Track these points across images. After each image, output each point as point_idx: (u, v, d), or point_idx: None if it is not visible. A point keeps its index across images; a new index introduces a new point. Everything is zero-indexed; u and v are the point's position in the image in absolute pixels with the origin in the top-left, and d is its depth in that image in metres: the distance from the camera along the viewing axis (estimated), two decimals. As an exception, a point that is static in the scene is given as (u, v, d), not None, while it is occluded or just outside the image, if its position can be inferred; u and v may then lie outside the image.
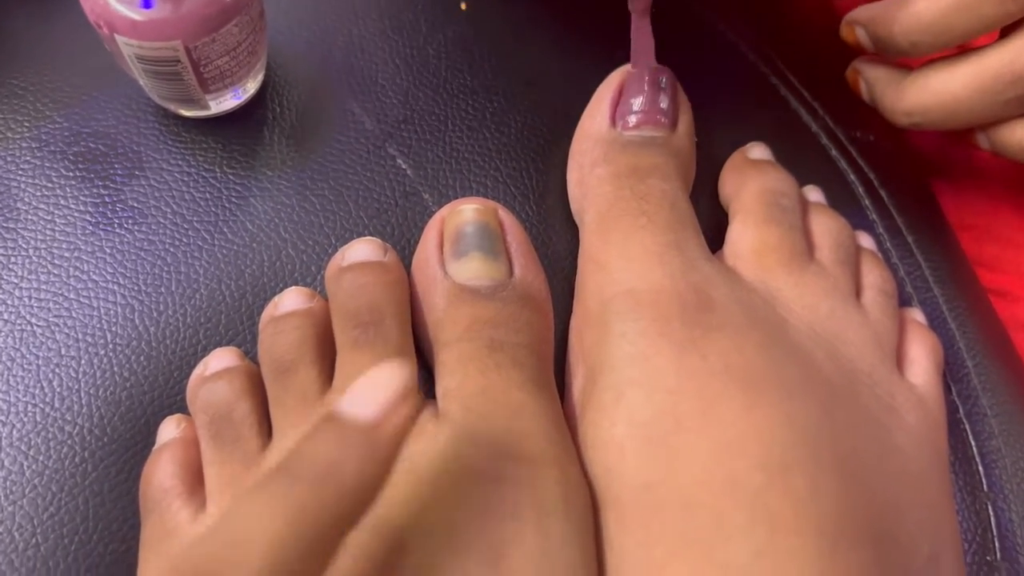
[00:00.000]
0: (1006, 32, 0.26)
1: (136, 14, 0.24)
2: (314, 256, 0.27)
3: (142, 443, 0.25)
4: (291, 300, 0.25)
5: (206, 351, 0.25)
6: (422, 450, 0.22)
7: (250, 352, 0.25)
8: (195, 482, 0.23)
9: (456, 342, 0.23)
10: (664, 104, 0.27)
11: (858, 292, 0.27)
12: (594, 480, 0.23)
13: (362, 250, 0.25)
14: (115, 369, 0.25)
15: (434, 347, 0.24)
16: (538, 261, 0.26)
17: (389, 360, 0.18)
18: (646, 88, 0.27)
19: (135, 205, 0.27)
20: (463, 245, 0.25)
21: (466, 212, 0.25)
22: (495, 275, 0.24)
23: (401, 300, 0.25)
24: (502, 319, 0.23)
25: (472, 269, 0.24)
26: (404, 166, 0.28)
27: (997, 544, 0.26)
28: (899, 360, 0.27)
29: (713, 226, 0.28)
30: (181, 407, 0.25)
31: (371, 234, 0.27)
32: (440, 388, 0.23)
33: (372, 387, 0.17)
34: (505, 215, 0.26)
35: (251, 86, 0.28)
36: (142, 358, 0.25)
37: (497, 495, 0.21)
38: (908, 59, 0.28)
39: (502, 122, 0.29)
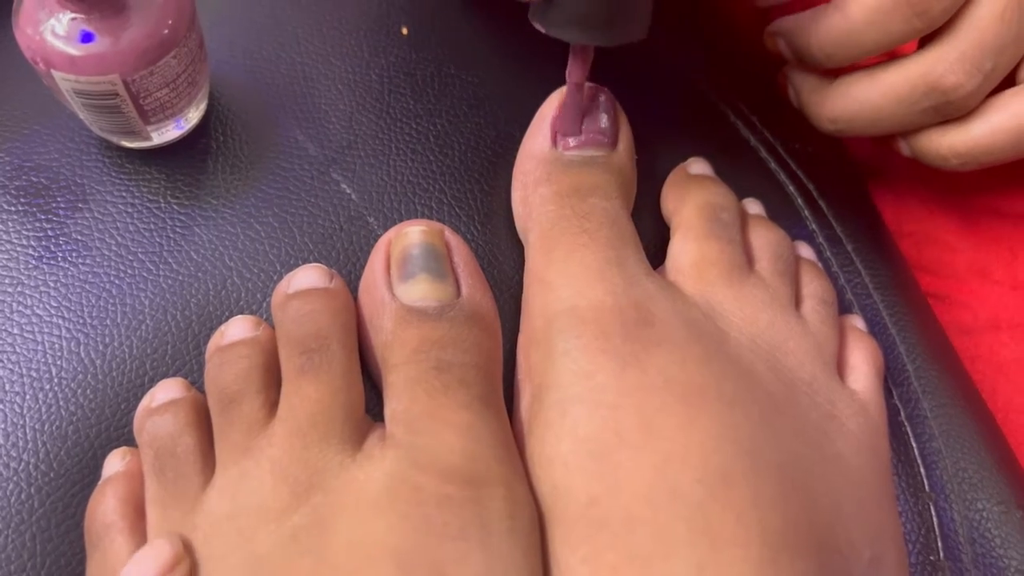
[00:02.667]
0: (924, 43, 0.27)
1: (73, 49, 0.24)
2: (260, 284, 0.27)
3: (89, 477, 0.24)
4: (237, 329, 0.25)
5: (153, 382, 0.25)
6: (367, 475, 0.22)
7: (197, 382, 0.26)
8: (137, 517, 0.23)
9: (403, 364, 0.23)
10: (604, 123, 0.28)
11: (798, 302, 0.28)
12: (541, 497, 0.23)
13: (307, 277, 0.25)
14: (61, 403, 0.25)
15: (382, 370, 0.24)
16: (485, 281, 0.26)
17: (153, 543, 0.21)
18: (585, 108, 0.28)
19: (79, 238, 0.27)
20: (410, 267, 0.25)
21: (412, 234, 0.25)
22: (442, 296, 0.25)
23: (347, 325, 0.25)
24: (449, 339, 0.24)
25: (419, 291, 0.24)
26: (348, 191, 0.28)
27: (940, 544, 0.27)
28: (840, 367, 0.27)
29: (657, 242, 0.29)
30: (129, 439, 0.25)
31: (317, 260, 0.27)
32: (387, 411, 0.23)
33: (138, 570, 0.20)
34: (451, 236, 0.26)
35: (193, 116, 0.28)
36: (88, 391, 0.25)
37: (442, 516, 0.21)
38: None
39: (446, 144, 0.29)
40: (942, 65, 0.26)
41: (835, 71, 0.29)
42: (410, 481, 0.22)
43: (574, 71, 0.26)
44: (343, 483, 0.22)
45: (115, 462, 0.24)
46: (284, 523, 0.21)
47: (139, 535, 0.23)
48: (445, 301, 0.24)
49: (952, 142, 0.28)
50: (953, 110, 0.27)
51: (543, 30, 0.25)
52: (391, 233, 0.26)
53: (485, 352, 0.25)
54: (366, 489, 0.22)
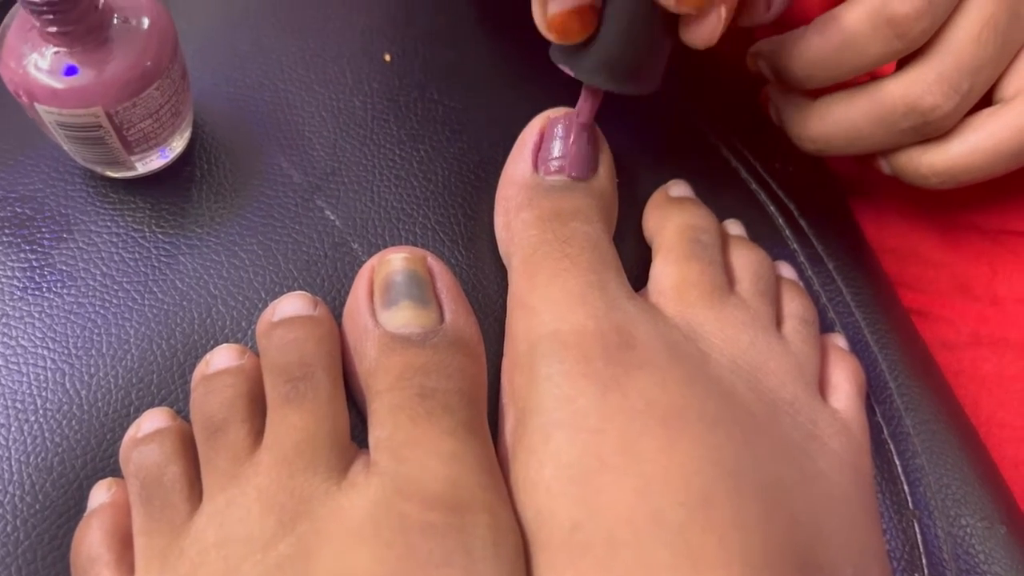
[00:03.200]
0: (902, 64, 0.27)
1: (56, 82, 0.25)
2: (244, 312, 0.27)
3: (75, 509, 0.24)
4: (222, 358, 0.25)
5: (139, 412, 0.26)
6: (352, 502, 0.22)
7: (183, 411, 0.26)
8: (123, 549, 0.23)
9: (387, 391, 0.24)
10: (584, 148, 0.28)
11: (779, 322, 0.28)
12: (526, 522, 0.24)
13: (292, 305, 0.25)
14: (46, 435, 0.25)
15: (366, 396, 0.24)
16: (469, 306, 0.27)
17: None
18: (566, 134, 0.28)
19: (63, 268, 0.27)
20: (393, 294, 0.25)
21: (395, 261, 0.26)
22: (426, 322, 0.25)
23: (332, 353, 0.25)
24: (433, 366, 0.24)
25: (403, 318, 0.24)
26: (332, 217, 0.28)
27: (924, 561, 0.27)
28: (822, 386, 0.28)
29: (640, 264, 0.29)
30: (115, 470, 0.25)
31: (301, 287, 0.27)
32: (372, 438, 0.24)
33: None
34: (435, 262, 0.26)
35: (177, 145, 0.28)
36: (74, 422, 0.25)
37: (426, 544, 0.21)
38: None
39: (429, 170, 0.30)
40: (920, 86, 0.26)
41: (816, 91, 0.30)
42: (394, 509, 0.22)
43: (584, 112, 0.27)
44: (328, 511, 0.22)
45: (101, 493, 0.24)
46: (270, 552, 0.22)
47: (125, 567, 0.23)
48: (428, 327, 0.24)
49: (931, 161, 0.28)
50: (932, 130, 0.27)
51: (571, 73, 0.26)
52: (374, 260, 0.26)
53: (469, 377, 0.25)
54: (351, 517, 0.22)
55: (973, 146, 0.27)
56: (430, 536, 0.21)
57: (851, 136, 0.28)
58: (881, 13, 0.25)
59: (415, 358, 0.24)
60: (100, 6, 0.24)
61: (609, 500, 0.22)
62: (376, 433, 0.23)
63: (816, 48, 0.27)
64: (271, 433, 0.23)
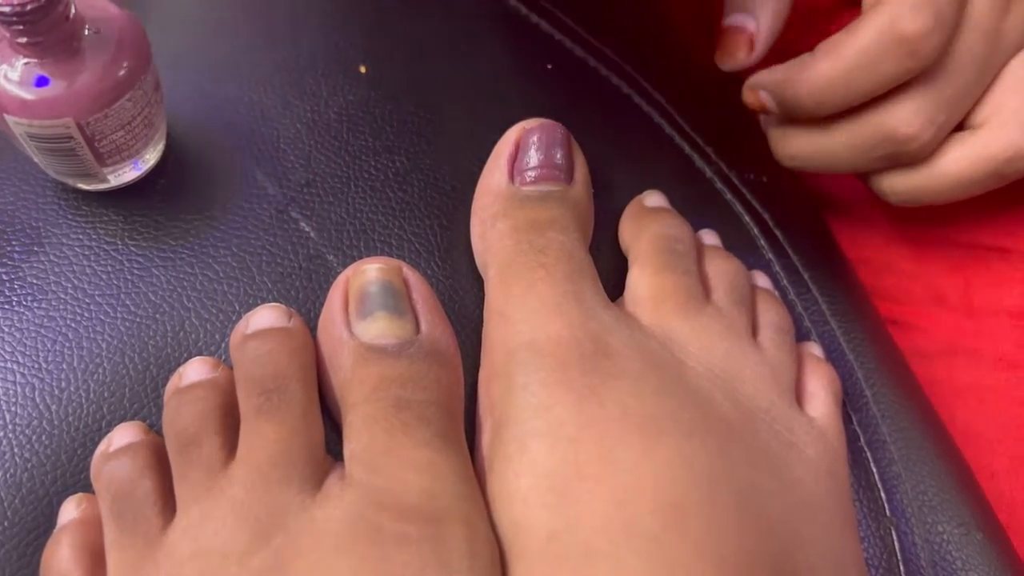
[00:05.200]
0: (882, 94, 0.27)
1: (26, 93, 0.24)
2: (218, 324, 0.27)
3: (44, 525, 0.24)
4: (194, 371, 0.25)
5: (111, 426, 0.25)
6: (328, 515, 0.22)
7: (156, 425, 0.25)
8: (94, 565, 0.23)
9: (362, 403, 0.23)
10: (559, 159, 0.28)
11: (755, 331, 0.28)
12: (503, 533, 0.23)
13: (266, 317, 0.25)
14: (15, 450, 0.25)
15: (341, 408, 0.24)
16: (445, 316, 0.26)
17: None
18: (542, 144, 0.28)
19: (34, 282, 0.27)
20: (368, 305, 0.25)
21: (369, 272, 0.25)
22: (401, 333, 0.25)
23: (306, 365, 0.25)
24: (409, 377, 0.24)
25: (377, 329, 0.24)
26: (307, 229, 0.28)
27: (902, 568, 0.27)
28: (798, 394, 0.28)
29: (616, 274, 0.29)
30: (85, 486, 0.25)
31: (276, 298, 0.27)
32: (347, 450, 0.23)
33: None
34: (410, 272, 0.26)
35: (151, 157, 0.28)
36: (43, 437, 0.25)
37: (401, 556, 0.21)
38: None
39: (405, 181, 0.30)
40: (897, 117, 0.27)
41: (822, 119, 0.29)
42: (369, 521, 0.22)
43: None
44: (303, 523, 0.22)
45: (70, 509, 0.24)
46: (245, 565, 0.21)
47: (96, 583, 0.22)
48: (404, 338, 0.24)
49: (892, 183, 0.29)
50: (906, 159, 0.28)
51: None
52: (349, 271, 0.26)
53: (445, 388, 0.25)
54: (326, 529, 0.22)
55: (938, 172, 0.28)
56: (405, 547, 0.21)
57: (828, 160, 0.29)
58: (891, 32, 0.25)
59: (390, 369, 0.24)
60: (71, 17, 0.24)
61: (586, 510, 0.22)
62: (351, 445, 0.23)
63: (826, 73, 0.27)
64: (244, 445, 0.23)
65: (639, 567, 0.21)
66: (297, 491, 0.23)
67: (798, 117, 0.29)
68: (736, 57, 0.30)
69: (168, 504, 0.23)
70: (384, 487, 0.22)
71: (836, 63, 0.27)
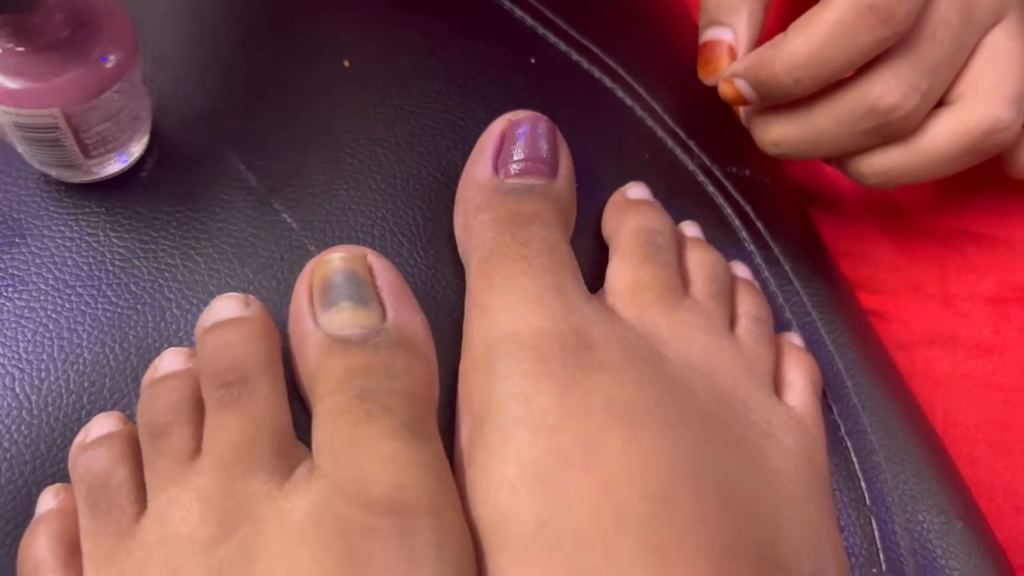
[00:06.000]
0: (863, 67, 0.28)
1: (14, 82, 0.24)
2: (198, 315, 0.26)
3: (23, 515, 0.24)
4: (168, 362, 0.25)
5: (90, 416, 0.25)
6: (293, 505, 0.22)
7: (135, 415, 0.25)
8: (70, 555, 0.23)
9: (328, 394, 0.23)
10: (545, 152, 0.28)
11: (733, 321, 0.28)
12: (487, 522, 0.23)
13: (223, 307, 0.25)
14: (-5, 440, 0.25)
15: (310, 399, 0.24)
16: (414, 303, 0.26)
17: None
18: (527, 137, 0.28)
19: (16, 273, 0.27)
20: (332, 295, 0.24)
21: (333, 261, 0.25)
22: (366, 322, 0.24)
23: (269, 353, 0.24)
24: (375, 367, 0.23)
25: (342, 319, 0.24)
26: (290, 220, 0.28)
27: (882, 556, 0.27)
28: (777, 384, 0.28)
29: (599, 265, 0.29)
30: (64, 475, 0.24)
31: (255, 289, 0.27)
32: (314, 442, 0.23)
33: None
34: (375, 259, 0.26)
35: (136, 150, 0.28)
36: (23, 427, 0.25)
37: (366, 548, 0.21)
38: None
39: (388, 173, 0.30)
40: (879, 86, 0.26)
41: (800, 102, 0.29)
42: (335, 512, 0.21)
43: None
44: (269, 514, 0.22)
45: (48, 500, 0.24)
46: (211, 555, 0.21)
47: (72, 573, 0.22)
48: (370, 327, 0.24)
49: (869, 162, 0.28)
50: (893, 131, 0.27)
51: None
52: (313, 261, 0.26)
53: (413, 377, 0.24)
54: (291, 520, 0.22)
55: (916, 148, 0.28)
56: (371, 540, 0.21)
57: (813, 139, 0.28)
58: (863, 1, 0.25)
59: (355, 360, 0.23)
60: (60, 8, 0.24)
61: (575, 497, 0.22)
62: (317, 437, 0.23)
63: (802, 47, 0.26)
64: (208, 438, 0.23)
65: (631, 553, 0.21)
66: (264, 481, 0.22)
67: (778, 101, 0.29)
68: (719, 69, 0.29)
69: (141, 494, 0.23)
70: (350, 478, 0.22)
71: (810, 38, 0.26)
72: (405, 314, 0.25)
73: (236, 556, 0.21)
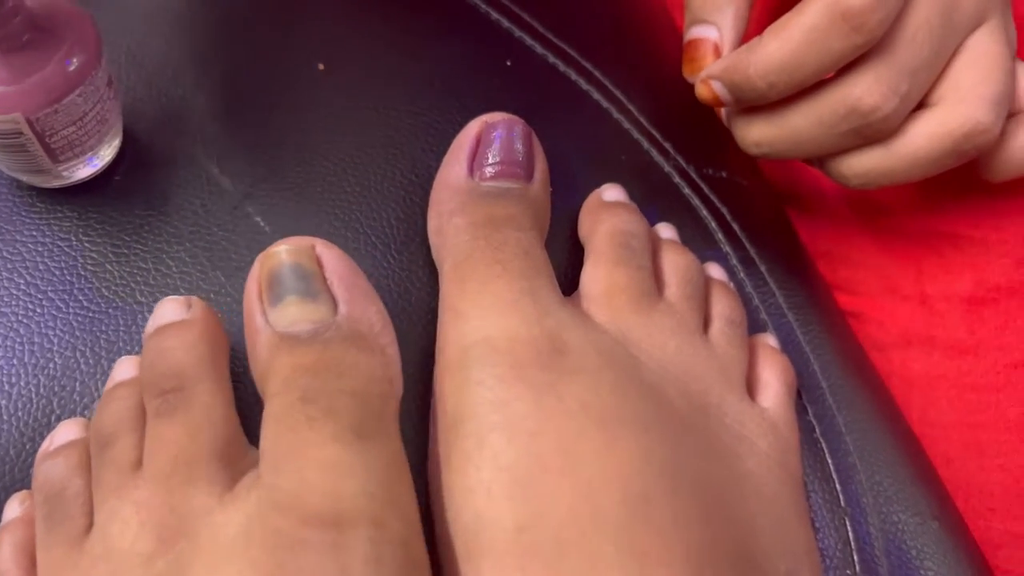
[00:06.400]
0: (843, 68, 0.27)
1: (-27, 88, 0.24)
2: (171, 319, 0.27)
3: (-8, 521, 0.24)
4: (120, 370, 0.24)
5: (60, 419, 0.25)
6: (228, 518, 0.21)
7: (106, 419, 0.25)
8: (31, 564, 0.22)
9: (274, 396, 0.22)
10: (520, 156, 0.28)
11: (707, 323, 0.28)
12: (464, 527, 0.23)
13: (164, 311, 0.24)
14: (-36, 446, 0.25)
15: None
16: (369, 292, 0.25)
17: None
18: (503, 140, 0.28)
19: (-14, 278, 0.27)
20: (278, 290, 0.23)
21: (279, 255, 0.24)
22: (314, 316, 0.23)
23: (209, 357, 0.24)
24: (323, 365, 0.22)
25: (290, 315, 0.23)
26: (263, 223, 0.28)
27: (856, 557, 0.27)
28: (751, 384, 0.28)
29: (574, 268, 0.29)
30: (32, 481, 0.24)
31: (228, 292, 0.27)
32: (260, 449, 0.22)
33: None
34: (325, 249, 0.24)
35: (106, 153, 0.28)
36: (-7, 433, 0.25)
37: (296, 562, 0.20)
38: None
39: (362, 175, 0.30)
40: (859, 88, 0.26)
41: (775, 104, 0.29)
42: (268, 525, 0.21)
43: None
44: (206, 527, 0.21)
45: (14, 507, 0.23)
46: (149, 568, 0.21)
47: (32, 581, 0.22)
48: (319, 321, 0.23)
49: (850, 163, 0.28)
50: (873, 132, 0.27)
51: None
52: (261, 256, 0.24)
53: (365, 374, 0.23)
54: (224, 534, 0.21)
55: (896, 150, 0.28)
56: (302, 554, 0.20)
57: (794, 139, 0.28)
58: (836, 7, 0.25)
59: (303, 357, 0.22)
60: (20, 12, 0.24)
61: (552, 501, 0.22)
62: (261, 443, 0.22)
63: (775, 53, 0.27)
64: (147, 449, 0.23)
65: (610, 556, 0.21)
66: (204, 493, 0.22)
67: (753, 104, 0.29)
68: (704, 67, 0.29)
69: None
70: (286, 488, 0.21)
71: (784, 43, 0.26)
72: (358, 305, 0.24)
73: (172, 571, 0.21)
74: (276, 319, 0.23)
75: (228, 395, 0.24)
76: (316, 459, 0.21)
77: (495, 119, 0.29)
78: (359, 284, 0.24)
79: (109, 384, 0.25)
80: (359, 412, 0.22)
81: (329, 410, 0.22)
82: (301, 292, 0.23)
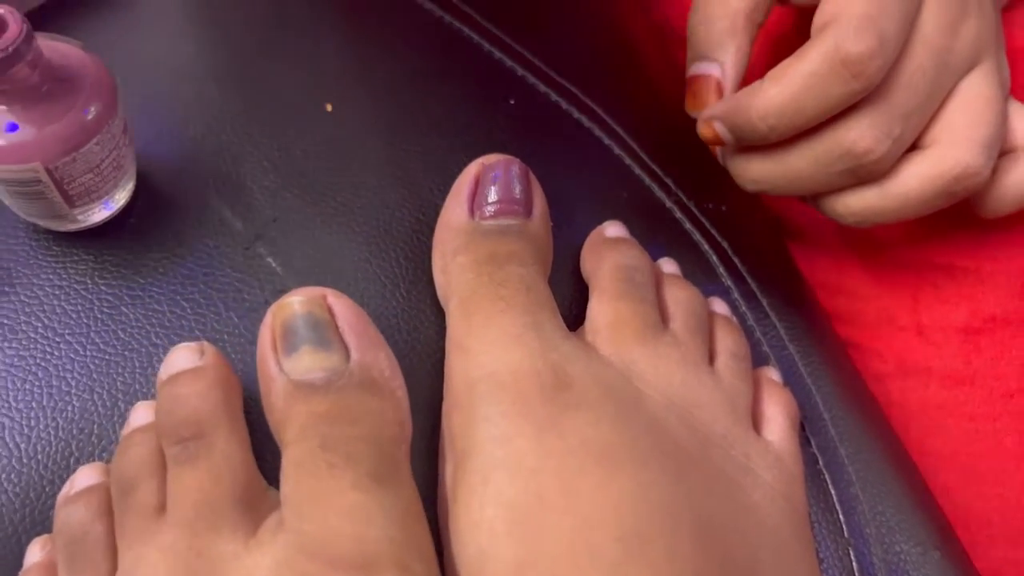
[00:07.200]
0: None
1: (-7, 139, 0.25)
2: (186, 360, 0.27)
3: (13, 563, 0.24)
4: (137, 416, 0.25)
5: (79, 463, 0.26)
6: (257, 563, 0.22)
7: (123, 460, 0.26)
8: None
9: (293, 443, 0.23)
10: (518, 193, 0.29)
11: (712, 357, 0.29)
12: (468, 562, 0.24)
13: (177, 358, 0.25)
14: (-15, 488, 0.25)
15: (280, 447, 0.24)
16: (378, 339, 0.26)
17: None
18: (501, 179, 0.29)
19: (5, 322, 0.27)
20: (293, 339, 0.24)
21: (292, 305, 0.25)
22: (328, 364, 0.24)
23: (225, 403, 0.24)
24: (337, 412, 0.23)
25: (304, 364, 0.24)
26: (274, 264, 0.29)
27: (860, 588, 0.28)
28: (755, 419, 0.28)
29: (578, 302, 0.30)
30: (52, 524, 0.25)
31: (241, 333, 0.28)
32: (281, 494, 0.23)
33: None
34: (336, 299, 0.25)
35: (121, 197, 0.29)
36: (12, 476, 0.25)
37: None
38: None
39: (370, 215, 0.30)
40: (854, 131, 0.27)
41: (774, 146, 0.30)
42: (297, 569, 0.21)
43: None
44: (234, 571, 0.22)
45: (36, 551, 0.24)
46: None
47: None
48: (332, 369, 0.24)
49: (847, 202, 0.29)
50: (866, 173, 0.28)
51: None
52: (274, 306, 0.25)
53: (379, 419, 0.24)
54: None
55: (890, 190, 0.29)
56: None
57: (790, 178, 0.29)
58: (836, 55, 0.26)
59: (318, 405, 0.23)
60: (39, 64, 0.25)
61: (551, 539, 0.23)
62: (284, 489, 0.23)
63: (775, 98, 0.27)
64: (169, 494, 0.23)
65: None
66: (229, 539, 0.23)
67: (753, 144, 0.30)
68: (706, 104, 0.30)
69: (117, 549, 0.23)
70: (312, 533, 0.22)
71: (784, 88, 0.27)
72: (369, 352, 0.25)
73: None
74: (291, 368, 0.24)
75: (245, 439, 0.24)
76: (339, 505, 0.22)
77: (492, 160, 0.29)
78: (369, 332, 0.25)
79: (126, 429, 0.25)
80: (375, 457, 0.23)
81: (348, 457, 0.23)
82: (314, 341, 0.24)
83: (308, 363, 0.24)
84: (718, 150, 0.32)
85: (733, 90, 0.30)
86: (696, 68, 0.31)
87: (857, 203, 0.29)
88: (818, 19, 0.27)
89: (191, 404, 0.24)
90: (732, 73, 0.30)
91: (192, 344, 0.25)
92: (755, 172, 0.30)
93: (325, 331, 0.24)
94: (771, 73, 0.28)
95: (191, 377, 0.24)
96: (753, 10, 0.30)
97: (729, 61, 0.30)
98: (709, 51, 0.30)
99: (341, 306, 0.25)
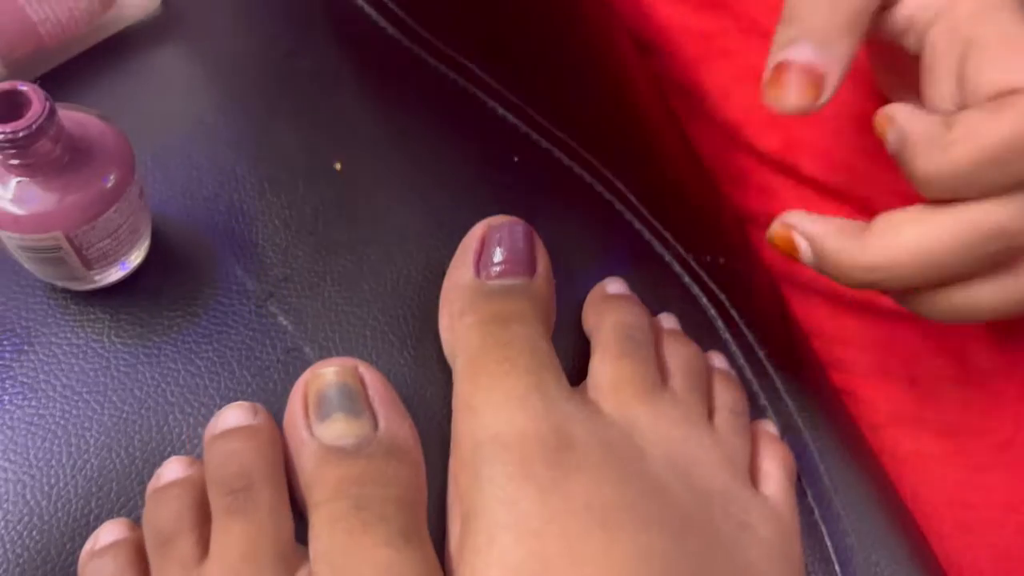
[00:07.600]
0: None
1: (18, 209, 0.26)
2: (200, 418, 0.28)
3: (35, 620, 0.25)
4: (171, 470, 0.26)
5: (99, 520, 0.26)
6: None
7: (142, 519, 0.26)
8: None
9: (324, 503, 0.25)
10: (522, 254, 0.30)
11: (711, 412, 0.30)
12: None
13: (231, 416, 0.26)
14: (8, 546, 0.26)
15: (307, 507, 0.25)
16: (403, 411, 0.28)
17: None
18: (505, 240, 0.30)
19: (24, 380, 0.28)
20: (326, 407, 0.26)
21: (326, 375, 0.27)
22: (359, 432, 0.26)
23: (273, 461, 0.26)
24: (368, 475, 0.25)
25: (336, 430, 0.26)
26: (285, 323, 0.30)
27: (855, 639, 0.29)
28: (753, 473, 0.29)
29: (580, 357, 0.31)
30: (73, 580, 0.26)
31: (255, 391, 0.28)
32: (312, 550, 0.25)
33: None
34: (366, 370, 0.27)
35: (136, 257, 0.30)
36: (35, 533, 0.26)
37: None
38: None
39: (379, 273, 0.31)
40: (1009, 210, 0.23)
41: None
42: None
43: None
44: None
45: (60, 608, 0.25)
46: None
47: None
48: (362, 437, 0.26)
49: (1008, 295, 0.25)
50: (1006, 259, 0.24)
51: None
52: (307, 374, 0.27)
53: (405, 483, 0.26)
54: None
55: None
56: None
57: (923, 262, 0.24)
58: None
59: (350, 469, 0.25)
60: (61, 138, 0.26)
61: None
62: (315, 545, 0.24)
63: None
64: (215, 543, 0.25)
65: None
66: None
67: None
68: (791, 103, 0.25)
69: None
70: None
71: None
72: (395, 422, 0.27)
73: None
74: (323, 433, 0.26)
75: (287, 497, 0.26)
76: (372, 561, 0.24)
77: (497, 221, 0.30)
78: (395, 402, 0.27)
79: (156, 482, 0.26)
80: (403, 518, 0.25)
81: (381, 516, 0.24)
82: (347, 409, 0.26)
83: (341, 429, 0.26)
84: (801, 245, 0.27)
85: (831, 95, 0.25)
86: (797, 52, 0.24)
87: (990, 296, 0.25)
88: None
89: (245, 458, 0.25)
90: (839, 73, 0.25)
91: (245, 403, 0.27)
92: (875, 257, 0.25)
93: (357, 401, 0.26)
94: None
95: (247, 433, 0.26)
96: (870, 15, 0.25)
97: (843, 57, 0.25)
98: (824, 36, 0.24)
99: (372, 377, 0.27)
